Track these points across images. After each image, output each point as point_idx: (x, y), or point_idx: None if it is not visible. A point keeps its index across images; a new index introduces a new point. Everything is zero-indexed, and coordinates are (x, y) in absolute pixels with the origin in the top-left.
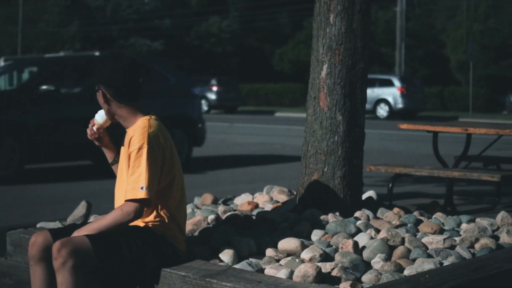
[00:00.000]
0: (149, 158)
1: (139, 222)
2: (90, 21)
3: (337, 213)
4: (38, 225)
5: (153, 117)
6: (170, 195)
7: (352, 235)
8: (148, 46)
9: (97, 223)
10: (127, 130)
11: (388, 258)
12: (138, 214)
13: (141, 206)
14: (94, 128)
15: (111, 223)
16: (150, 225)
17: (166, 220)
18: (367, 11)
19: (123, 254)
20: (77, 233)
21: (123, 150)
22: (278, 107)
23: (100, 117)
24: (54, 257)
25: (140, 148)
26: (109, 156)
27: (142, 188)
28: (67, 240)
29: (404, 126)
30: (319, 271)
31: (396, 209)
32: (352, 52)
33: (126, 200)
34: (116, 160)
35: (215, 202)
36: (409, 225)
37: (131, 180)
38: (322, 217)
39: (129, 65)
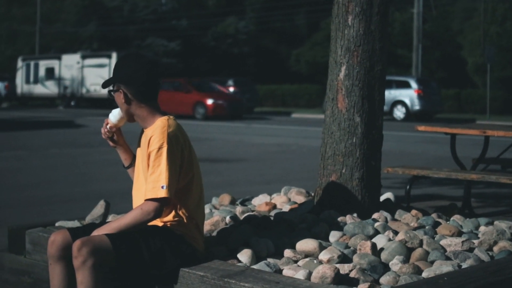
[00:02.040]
0: (169, 158)
1: (158, 222)
2: (107, 21)
3: (355, 215)
4: (57, 224)
5: (171, 117)
6: (189, 195)
7: (370, 237)
8: (165, 47)
9: (117, 222)
10: (145, 130)
11: (406, 260)
12: (158, 213)
13: (161, 205)
14: (108, 127)
15: (131, 222)
16: (169, 225)
17: (185, 220)
18: (385, 13)
19: (142, 253)
20: (97, 232)
21: (139, 150)
22: (295, 108)
23: (114, 116)
24: (74, 256)
25: (160, 148)
26: (124, 158)
27: (162, 187)
28: (88, 239)
29: (422, 128)
30: (337, 272)
31: (414, 211)
32: (370, 54)
33: (146, 199)
34: (132, 164)
35: (233, 202)
36: (427, 227)
37: (151, 179)
38: (340, 218)
39: (150, 65)
